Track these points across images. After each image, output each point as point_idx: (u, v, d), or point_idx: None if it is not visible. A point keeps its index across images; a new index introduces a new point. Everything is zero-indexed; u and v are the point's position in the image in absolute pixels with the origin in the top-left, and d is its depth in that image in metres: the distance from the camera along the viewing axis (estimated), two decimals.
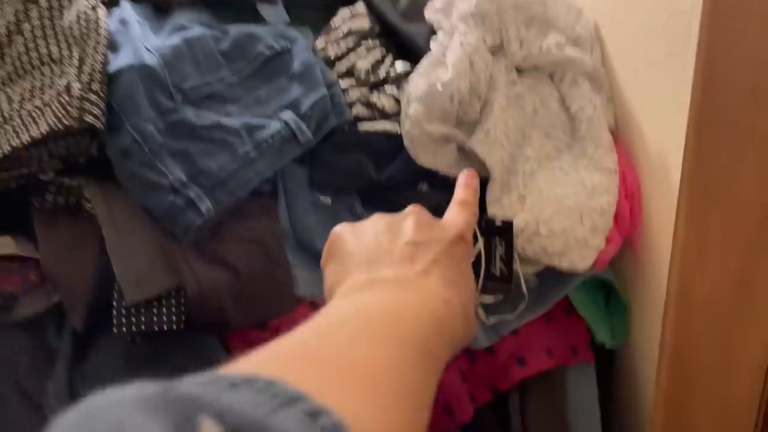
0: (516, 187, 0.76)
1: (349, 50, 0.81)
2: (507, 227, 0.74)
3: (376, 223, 0.46)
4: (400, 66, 0.82)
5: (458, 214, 0.52)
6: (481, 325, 0.75)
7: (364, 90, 0.80)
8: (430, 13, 0.85)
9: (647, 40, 0.71)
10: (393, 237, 0.43)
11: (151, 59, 0.69)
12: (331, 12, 0.91)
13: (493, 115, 0.76)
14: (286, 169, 0.75)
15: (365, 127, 0.78)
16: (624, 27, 0.79)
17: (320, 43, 0.82)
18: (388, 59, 0.83)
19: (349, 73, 0.80)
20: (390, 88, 0.81)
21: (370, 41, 0.83)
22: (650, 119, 0.73)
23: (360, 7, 0.83)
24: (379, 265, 0.41)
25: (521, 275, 0.75)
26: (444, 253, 0.43)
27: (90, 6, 0.72)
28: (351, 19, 0.82)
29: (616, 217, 0.76)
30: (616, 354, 0.87)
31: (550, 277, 0.77)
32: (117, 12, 0.75)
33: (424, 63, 0.79)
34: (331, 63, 0.81)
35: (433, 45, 0.81)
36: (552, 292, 0.78)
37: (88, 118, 0.65)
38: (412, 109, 0.76)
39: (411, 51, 0.84)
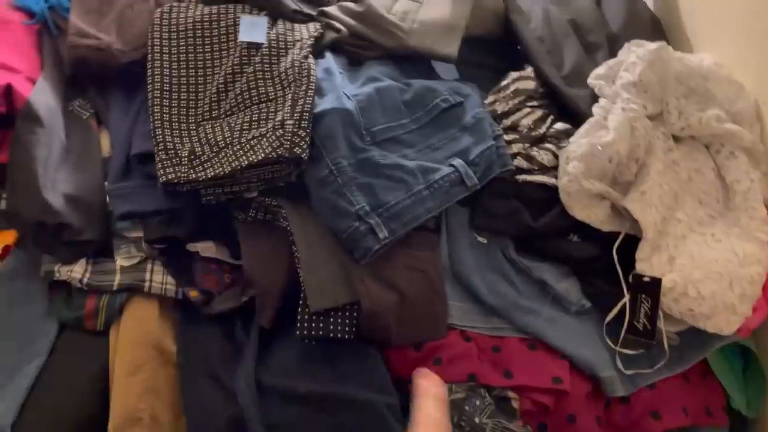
0: (666, 248, 0.80)
1: (516, 108, 0.90)
2: (655, 285, 0.78)
3: None
4: (560, 125, 0.90)
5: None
6: (618, 375, 0.79)
7: (526, 144, 0.88)
8: (592, 79, 0.92)
9: None
10: None
11: (349, 104, 0.81)
12: (499, 73, 1.01)
13: (650, 178, 0.81)
14: (450, 209, 0.84)
15: (525, 177, 0.86)
16: None
17: (490, 99, 0.91)
18: (550, 119, 0.91)
19: (514, 128, 0.89)
20: (550, 145, 0.88)
21: (534, 101, 0.91)
22: None
23: (528, 70, 0.92)
24: None
25: (664, 332, 0.79)
26: None
27: (303, 55, 0.85)
28: (519, 80, 0.91)
29: (765, 288, 0.78)
30: (752, 423, 0.87)
31: (692, 337, 0.80)
32: (322, 62, 0.88)
33: (586, 125, 0.86)
34: (498, 118, 0.89)
35: (595, 109, 0.87)
36: (692, 353, 0.81)
37: (298, 150, 0.77)
38: (571, 166, 0.83)
39: (571, 113, 0.91)
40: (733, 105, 0.86)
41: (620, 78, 0.87)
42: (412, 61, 0.95)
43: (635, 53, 0.88)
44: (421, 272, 0.79)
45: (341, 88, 0.83)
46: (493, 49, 1.04)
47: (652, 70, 0.85)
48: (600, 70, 0.92)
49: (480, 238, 0.84)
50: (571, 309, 0.82)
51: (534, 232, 0.83)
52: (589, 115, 0.88)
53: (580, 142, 0.83)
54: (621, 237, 0.82)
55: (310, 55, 0.87)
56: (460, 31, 0.95)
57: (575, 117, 0.90)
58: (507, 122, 0.89)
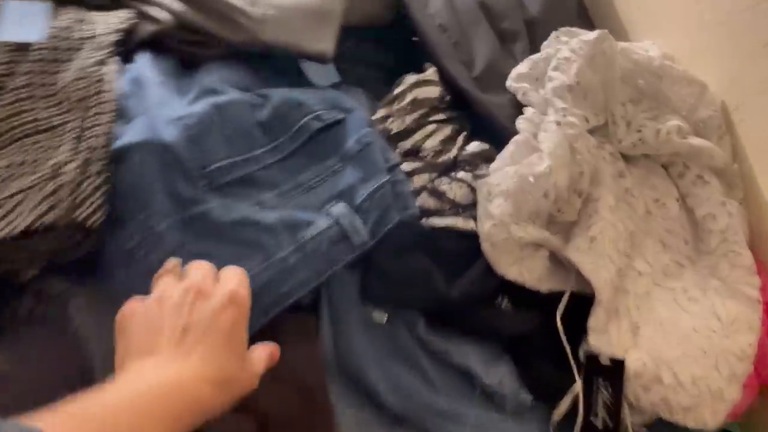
0: (626, 312, 0.59)
1: (416, 124, 0.65)
2: (616, 368, 0.57)
3: (163, 302, 0.46)
4: (475, 145, 0.66)
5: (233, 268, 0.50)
6: None
7: (433, 175, 0.64)
8: (513, 82, 0.69)
9: None
10: (172, 319, 0.45)
11: (170, 134, 0.53)
12: (391, 73, 0.76)
13: (600, 218, 0.60)
14: (332, 277, 0.59)
15: (433, 222, 0.62)
16: (763, 108, 0.63)
17: (380, 113, 0.67)
18: (461, 137, 0.67)
19: (415, 153, 0.65)
20: (463, 173, 0.65)
21: (440, 113, 0.67)
22: None
23: (430, 71, 0.68)
24: (155, 347, 0.44)
25: (630, 428, 0.58)
26: (209, 329, 0.45)
27: (96, 60, 0.57)
28: (418, 86, 0.66)
29: (757, 358, 0.58)
30: None
31: (664, 428, 0.60)
32: (131, 70, 0.60)
33: (511, 147, 0.63)
34: (392, 139, 0.65)
35: (521, 123, 0.65)
36: None
37: (82, 214, 0.49)
38: (495, 206, 0.60)
39: (487, 127, 0.68)
40: (695, 112, 0.66)
41: (550, 79, 0.65)
42: (270, 61, 0.68)
43: (568, 46, 0.66)
44: (293, 382, 0.53)
45: (158, 108, 0.56)
46: (382, 42, 0.79)
47: (592, 67, 0.64)
48: (522, 68, 0.70)
49: (376, 315, 0.60)
50: (506, 407, 0.59)
51: (450, 301, 0.59)
52: (511, 129, 0.66)
53: (504, 171, 0.60)
54: (566, 298, 0.60)
55: (110, 60, 0.58)
56: (335, 19, 0.69)
57: (492, 132, 0.68)
58: (405, 145, 0.65)
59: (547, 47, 0.71)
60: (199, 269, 0.48)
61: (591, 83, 0.63)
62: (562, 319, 0.60)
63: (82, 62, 0.56)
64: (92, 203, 0.50)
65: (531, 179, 0.58)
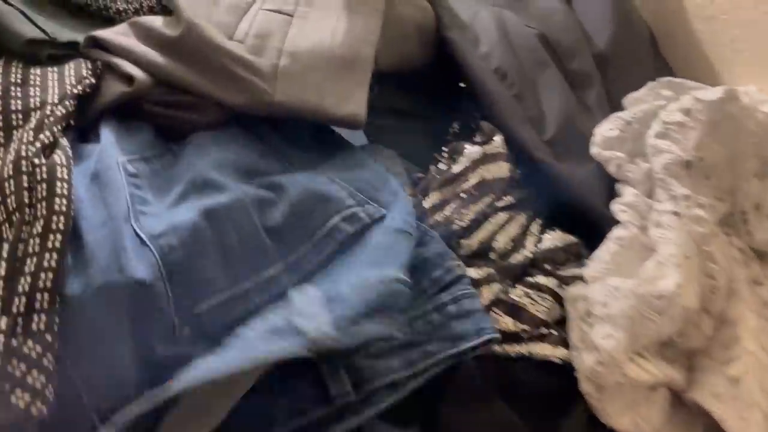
0: None
1: (482, 215, 0.49)
2: None
3: None
4: (555, 238, 0.50)
5: None
6: None
7: (506, 283, 0.48)
8: (600, 148, 0.53)
9: None
10: None
11: (143, 269, 0.36)
12: (429, 122, 0.60)
13: (742, 351, 0.44)
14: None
15: (510, 349, 0.46)
16: None
17: (433, 199, 0.50)
18: (535, 225, 0.51)
19: (482, 254, 0.48)
20: (544, 279, 0.48)
21: (509, 196, 0.51)
22: None
23: (498, 142, 0.51)
24: None
25: None
26: None
27: (37, 147, 0.39)
28: (484, 163, 0.49)
29: None
30: None
31: None
32: (90, 154, 0.43)
33: (613, 245, 0.47)
34: (452, 236, 0.48)
35: (621, 212, 0.48)
36: None
37: (19, 400, 0.32)
38: (602, 337, 0.43)
39: (566, 206, 0.52)
40: None
41: (657, 151, 0.49)
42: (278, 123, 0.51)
43: (678, 105, 0.50)
44: None
45: (126, 220, 0.39)
46: (421, 86, 0.63)
47: (717, 138, 0.48)
48: (609, 131, 0.53)
49: None
50: None
51: None
52: (601, 212, 0.50)
53: (611, 286, 0.44)
54: None
55: (61, 143, 0.41)
56: (366, 67, 0.52)
57: (574, 215, 0.52)
58: (470, 244, 0.48)
59: (640, 101, 0.55)
60: None
61: (715, 159, 0.47)
62: None
63: (20, 148, 0.39)
64: (30, 387, 0.33)
65: (656, 301, 0.42)
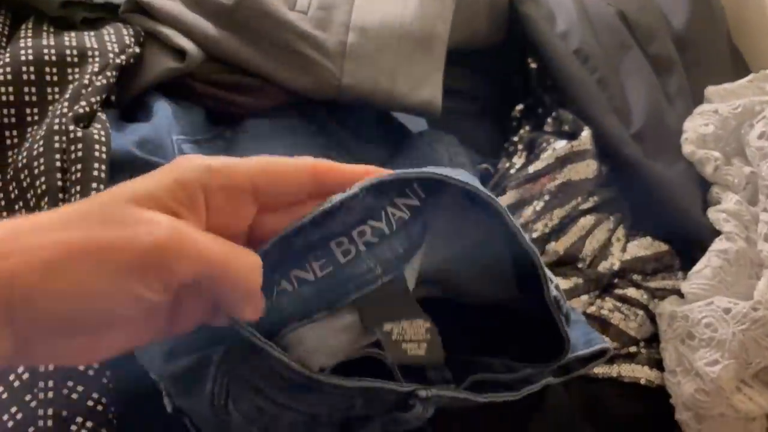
0: None
1: (568, 218, 0.44)
2: None
3: None
4: (643, 244, 0.45)
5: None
6: None
7: (593, 294, 0.43)
8: (694, 146, 0.48)
9: None
10: None
11: None
12: (494, 109, 0.55)
13: None
14: None
15: (601, 369, 0.42)
16: None
17: (510, 197, 0.44)
18: (621, 230, 0.46)
19: (570, 261, 0.43)
20: (634, 291, 0.44)
21: (594, 197, 0.46)
22: None
23: (585, 138, 0.45)
24: None
25: None
26: None
27: (71, 119, 0.34)
28: (570, 162, 0.44)
29: None
30: None
31: None
32: (136, 131, 0.37)
33: (715, 261, 0.42)
34: (536, 240, 0.43)
35: (724, 222, 0.44)
36: None
37: None
38: (705, 363, 0.39)
39: (655, 209, 0.47)
40: None
41: (762, 152, 0.44)
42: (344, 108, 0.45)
43: None
44: None
45: None
46: (478, 63, 0.57)
47: None
48: (703, 126, 0.48)
49: None
50: None
51: None
52: (698, 220, 0.45)
53: (725, 310, 0.40)
54: None
55: (100, 115, 0.35)
56: (441, 46, 0.46)
57: (663, 219, 0.47)
58: (556, 249, 0.43)
59: (735, 95, 0.50)
60: None
61: None
62: None
63: (53, 122, 0.33)
64: None
65: None
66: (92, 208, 0.23)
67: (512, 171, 0.47)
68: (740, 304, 0.39)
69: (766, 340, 0.38)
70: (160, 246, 0.22)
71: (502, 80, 0.58)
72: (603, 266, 0.44)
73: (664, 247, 0.46)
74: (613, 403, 0.42)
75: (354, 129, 0.45)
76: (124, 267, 0.22)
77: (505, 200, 0.45)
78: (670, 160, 0.49)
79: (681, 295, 0.43)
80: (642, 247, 0.46)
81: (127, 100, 0.41)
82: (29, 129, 0.35)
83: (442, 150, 0.50)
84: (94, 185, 0.33)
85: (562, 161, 0.44)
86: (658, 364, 0.42)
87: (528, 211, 0.44)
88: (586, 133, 0.45)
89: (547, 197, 0.44)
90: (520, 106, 0.54)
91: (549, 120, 0.50)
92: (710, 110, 0.49)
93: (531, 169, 0.45)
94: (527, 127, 0.52)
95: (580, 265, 0.43)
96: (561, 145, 0.45)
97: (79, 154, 0.32)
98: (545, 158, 0.45)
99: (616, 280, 0.45)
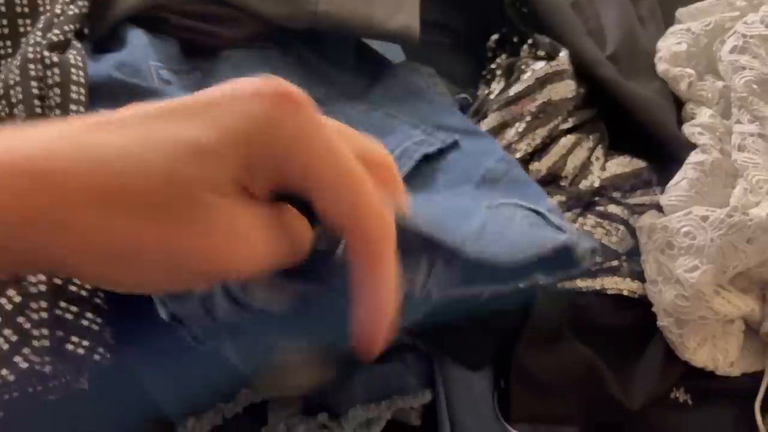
0: None
1: (549, 137, 0.44)
2: None
3: None
4: (622, 162, 0.46)
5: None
6: None
7: (576, 211, 0.44)
8: (668, 64, 0.49)
9: None
10: None
11: None
12: (471, 40, 0.55)
13: None
14: (455, 380, 0.39)
15: (586, 283, 0.43)
16: None
17: (492, 120, 0.45)
18: (600, 149, 0.47)
19: (553, 180, 0.44)
20: (615, 207, 0.45)
21: (572, 116, 0.46)
22: None
23: (563, 58, 0.46)
24: None
25: None
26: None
27: (45, 46, 0.33)
28: (549, 81, 0.45)
29: None
30: None
31: None
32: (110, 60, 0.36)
33: (691, 173, 0.43)
34: (518, 161, 0.44)
35: (699, 135, 0.45)
36: None
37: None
38: (685, 270, 0.40)
39: (632, 128, 0.48)
40: None
41: (737, 68, 0.45)
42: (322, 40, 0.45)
43: (759, 15, 0.45)
44: None
45: None
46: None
47: None
48: (676, 44, 0.49)
49: None
50: None
51: (628, 412, 0.41)
52: (675, 135, 0.46)
53: (703, 218, 0.41)
54: (765, 384, 0.43)
55: (74, 42, 0.35)
56: None
57: (640, 137, 0.48)
58: (539, 169, 0.44)
59: (705, 13, 0.51)
60: None
61: None
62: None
63: (26, 51, 0.32)
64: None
65: (747, 232, 0.39)
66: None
67: (492, 96, 0.47)
68: (717, 211, 0.40)
69: (743, 243, 0.40)
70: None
71: (477, 10, 0.58)
72: (584, 184, 0.45)
73: (641, 164, 0.47)
74: (598, 314, 0.43)
75: (332, 59, 0.45)
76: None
77: (487, 124, 0.45)
78: (645, 79, 0.49)
79: (660, 210, 0.45)
80: (621, 165, 0.47)
81: (100, 33, 0.40)
82: (2, 62, 0.34)
83: (421, 81, 0.50)
84: (74, 108, 0.32)
85: (542, 82, 0.45)
86: (639, 276, 0.44)
87: (511, 133, 0.44)
88: (563, 54, 0.46)
89: (529, 118, 0.44)
90: (495, 36, 0.54)
91: (525, 47, 0.50)
92: (682, 29, 0.50)
93: (512, 91, 0.45)
94: (504, 56, 0.52)
95: (562, 183, 0.44)
96: (540, 66, 0.45)
97: (57, 79, 0.31)
98: (525, 80, 0.45)
99: (597, 198, 0.46)
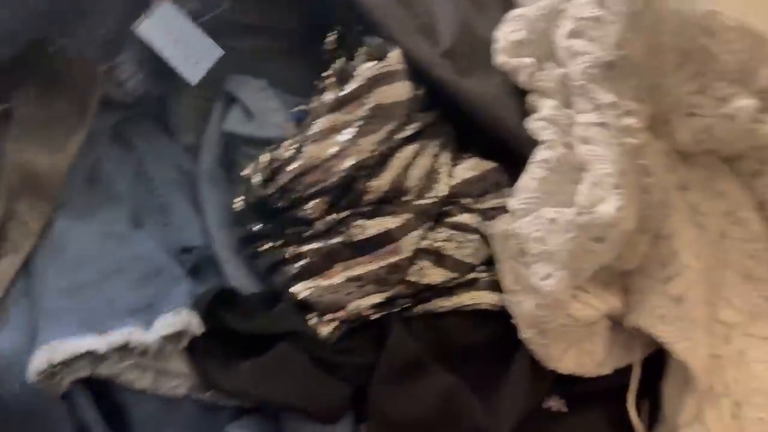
0: (724, 388, 0.42)
1: (387, 148, 0.40)
2: None
3: None
4: (471, 166, 0.43)
5: None
6: None
7: (424, 228, 0.41)
8: (506, 55, 0.46)
9: None
10: None
11: None
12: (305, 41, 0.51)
13: (683, 267, 0.40)
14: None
15: (443, 303, 0.39)
16: None
17: (321, 125, 0.40)
18: (445, 155, 0.43)
19: (396, 195, 0.40)
20: (467, 216, 0.42)
21: (413, 123, 0.42)
22: None
23: (394, 58, 0.42)
24: None
25: None
26: None
27: None
28: (378, 84, 0.40)
29: None
30: None
31: None
32: None
33: (538, 171, 0.40)
34: (358, 178, 0.39)
35: (542, 129, 0.42)
36: None
37: None
38: (540, 277, 0.38)
39: (475, 130, 0.45)
40: (753, 76, 0.47)
41: (573, 53, 0.43)
42: None
43: None
44: None
45: None
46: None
47: (637, 32, 0.42)
48: (513, 33, 0.46)
49: None
50: None
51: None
52: (518, 133, 0.43)
53: (551, 221, 0.38)
54: (636, 380, 0.42)
55: None
56: None
57: (483, 139, 0.45)
58: (379, 185, 0.40)
59: None
60: None
61: (636, 56, 0.42)
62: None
63: None
64: None
65: (596, 228, 0.37)
66: None
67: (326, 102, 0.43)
68: (565, 212, 0.38)
69: (593, 244, 0.38)
70: None
71: (313, 11, 0.53)
72: (432, 195, 0.42)
73: (489, 165, 0.44)
74: (460, 334, 0.40)
75: None
76: None
77: (315, 129, 0.40)
78: (485, 74, 0.46)
79: None
80: (469, 168, 0.44)
81: None
82: None
83: (250, 96, 0.46)
84: None
85: (370, 84, 0.40)
86: (498, 287, 0.41)
87: (341, 138, 0.40)
88: (394, 53, 0.42)
89: (360, 122, 0.40)
90: (331, 37, 0.50)
91: (361, 49, 0.46)
92: (518, 15, 0.47)
93: (340, 94, 0.41)
94: (340, 60, 0.48)
95: (408, 198, 0.41)
96: (370, 66, 0.41)
97: None
98: (353, 82, 0.41)
99: (448, 208, 0.43)
